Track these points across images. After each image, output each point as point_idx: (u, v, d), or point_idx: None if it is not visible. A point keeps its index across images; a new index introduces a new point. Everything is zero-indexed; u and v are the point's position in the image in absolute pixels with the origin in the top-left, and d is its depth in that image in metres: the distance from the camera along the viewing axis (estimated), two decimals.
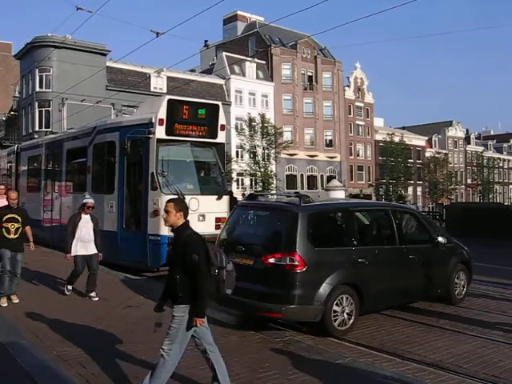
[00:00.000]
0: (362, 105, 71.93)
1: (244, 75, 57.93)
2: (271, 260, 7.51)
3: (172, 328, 4.73)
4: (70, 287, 9.89)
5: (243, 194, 27.76)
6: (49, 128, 38.54)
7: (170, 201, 4.94)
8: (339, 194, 32.38)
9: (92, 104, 31.55)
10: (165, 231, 12.10)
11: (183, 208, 4.89)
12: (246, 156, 52.82)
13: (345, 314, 7.68)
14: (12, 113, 55.89)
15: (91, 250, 9.75)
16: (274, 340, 7.01)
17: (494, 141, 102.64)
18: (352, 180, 69.05)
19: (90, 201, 9.92)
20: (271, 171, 53.45)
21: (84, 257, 9.69)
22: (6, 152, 24.75)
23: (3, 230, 9.05)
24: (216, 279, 4.93)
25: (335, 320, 7.59)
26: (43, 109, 43.92)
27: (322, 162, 64.49)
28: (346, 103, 68.59)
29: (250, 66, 58.38)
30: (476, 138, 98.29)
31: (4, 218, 9.06)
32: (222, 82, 55.72)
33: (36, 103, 44.34)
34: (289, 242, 7.52)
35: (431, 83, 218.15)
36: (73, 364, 5.91)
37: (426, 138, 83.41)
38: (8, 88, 63.71)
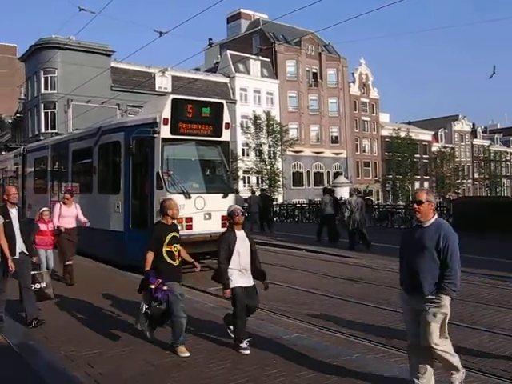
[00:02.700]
0: (367, 100, 71.81)
1: (248, 73, 57.93)
2: None
3: None
4: (245, 344, 6.48)
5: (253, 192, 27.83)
6: (54, 129, 38.77)
7: None
8: (345, 191, 32.36)
9: (97, 105, 31.59)
10: None
11: None
12: (252, 154, 52.85)
13: None
14: (18, 115, 56.11)
15: (250, 279, 6.82)
16: (281, 337, 7.00)
17: (501, 134, 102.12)
18: (358, 176, 68.94)
19: (236, 207, 7.08)
20: (277, 169, 53.48)
21: (244, 289, 6.69)
22: (13, 154, 24.84)
23: (166, 255, 6.58)
24: None
25: None
26: (49, 110, 44.12)
27: (328, 158, 64.43)
28: (351, 99, 68.49)
29: (255, 64, 58.38)
30: (482, 132, 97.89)
31: (167, 239, 6.61)
32: (226, 80, 55.74)
33: (41, 105, 44.54)
34: None
35: (436, 78, 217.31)
36: (80, 364, 5.93)
37: (432, 133, 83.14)
38: (13, 90, 64.00)
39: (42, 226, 10.93)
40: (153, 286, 6.30)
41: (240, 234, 6.83)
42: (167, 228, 6.74)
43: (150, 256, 6.63)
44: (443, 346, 4.92)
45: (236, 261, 6.70)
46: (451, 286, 4.84)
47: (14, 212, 7.76)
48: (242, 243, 6.80)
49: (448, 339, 5.02)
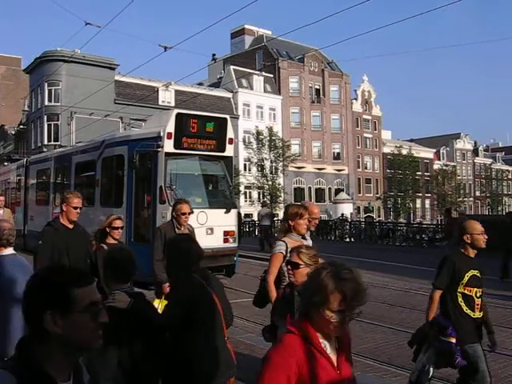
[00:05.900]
0: (369, 117, 71.99)
1: (252, 88, 58.18)
2: None
3: None
4: None
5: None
6: (57, 142, 38.80)
7: None
8: (347, 207, 32.40)
9: (100, 118, 31.70)
10: None
11: None
12: (254, 169, 52.90)
13: None
14: (21, 126, 56.31)
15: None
16: None
17: (503, 153, 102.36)
18: (360, 193, 68.92)
19: None
20: (279, 184, 53.50)
21: None
22: (16, 165, 24.89)
23: (461, 300, 4.66)
24: None
25: None
26: (52, 122, 44.26)
27: (330, 174, 64.48)
28: (353, 116, 68.68)
29: (258, 80, 58.64)
30: (484, 150, 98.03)
31: (467, 278, 4.67)
32: (229, 95, 55.96)
33: (45, 117, 44.70)
34: None
35: (439, 96, 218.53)
36: None
37: (434, 151, 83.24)
38: (17, 102, 64.26)
39: None
40: (453, 340, 4.54)
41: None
42: (469, 262, 4.73)
43: (437, 296, 4.73)
44: None
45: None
46: None
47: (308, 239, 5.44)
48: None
49: None
